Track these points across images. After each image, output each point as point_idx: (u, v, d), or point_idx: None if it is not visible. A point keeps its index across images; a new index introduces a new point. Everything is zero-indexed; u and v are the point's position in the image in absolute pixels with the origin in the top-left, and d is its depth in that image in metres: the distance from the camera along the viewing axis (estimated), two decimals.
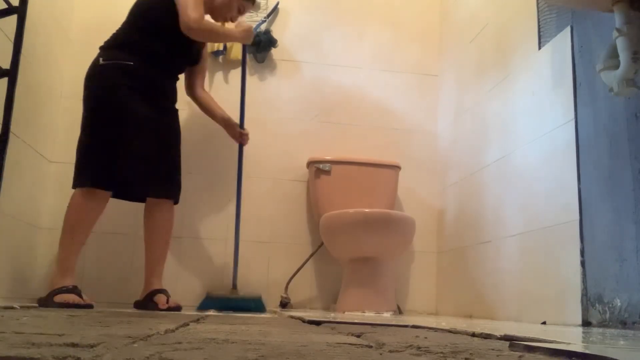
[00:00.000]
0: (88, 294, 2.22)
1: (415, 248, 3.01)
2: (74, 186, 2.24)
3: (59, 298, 2.09)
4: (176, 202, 2.49)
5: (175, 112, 2.53)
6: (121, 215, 2.69)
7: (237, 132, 2.74)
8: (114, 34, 2.41)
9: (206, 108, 2.72)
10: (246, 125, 2.83)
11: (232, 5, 2.55)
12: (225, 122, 2.73)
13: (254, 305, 2.60)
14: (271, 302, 2.82)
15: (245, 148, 2.80)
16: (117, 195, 2.35)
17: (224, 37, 2.57)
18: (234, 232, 2.72)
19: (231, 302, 2.60)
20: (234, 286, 2.70)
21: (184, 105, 2.94)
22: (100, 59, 2.32)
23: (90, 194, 2.21)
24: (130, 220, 2.68)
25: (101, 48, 2.38)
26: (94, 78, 2.31)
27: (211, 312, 2.26)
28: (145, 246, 2.43)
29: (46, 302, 2.11)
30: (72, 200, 2.23)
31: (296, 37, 3.14)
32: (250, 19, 3.08)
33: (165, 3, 2.37)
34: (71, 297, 2.10)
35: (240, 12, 2.60)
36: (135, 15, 2.40)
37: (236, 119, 2.76)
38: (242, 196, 2.75)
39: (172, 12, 2.35)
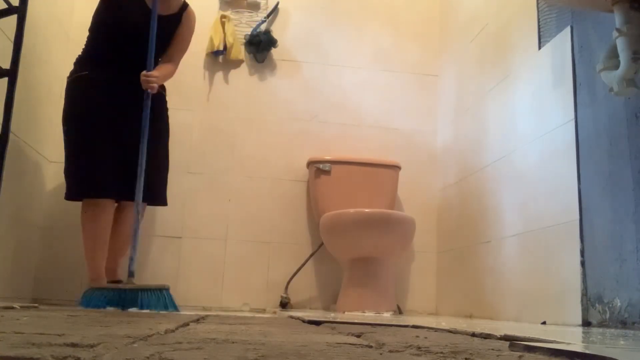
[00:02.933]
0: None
1: (415, 248, 3.01)
2: (65, 197, 2.33)
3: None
4: (154, 204, 2.47)
5: (159, 108, 2.44)
6: None
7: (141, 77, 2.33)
8: None
9: None
10: (246, 125, 2.82)
11: None
12: None
13: (158, 298, 2.10)
14: (271, 302, 2.82)
15: (246, 148, 2.77)
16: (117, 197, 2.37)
17: None
18: (135, 204, 2.26)
19: (124, 294, 2.11)
20: (131, 274, 2.20)
21: (187, 105, 2.94)
22: (66, 79, 2.42)
23: (90, 205, 2.29)
24: None
25: None
26: (64, 97, 2.40)
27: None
28: (110, 238, 2.35)
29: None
30: (81, 215, 2.31)
31: (296, 37, 3.14)
32: (250, 19, 3.08)
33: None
34: None
35: None
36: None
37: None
38: (144, 155, 2.29)
39: (98, 9, 2.43)
